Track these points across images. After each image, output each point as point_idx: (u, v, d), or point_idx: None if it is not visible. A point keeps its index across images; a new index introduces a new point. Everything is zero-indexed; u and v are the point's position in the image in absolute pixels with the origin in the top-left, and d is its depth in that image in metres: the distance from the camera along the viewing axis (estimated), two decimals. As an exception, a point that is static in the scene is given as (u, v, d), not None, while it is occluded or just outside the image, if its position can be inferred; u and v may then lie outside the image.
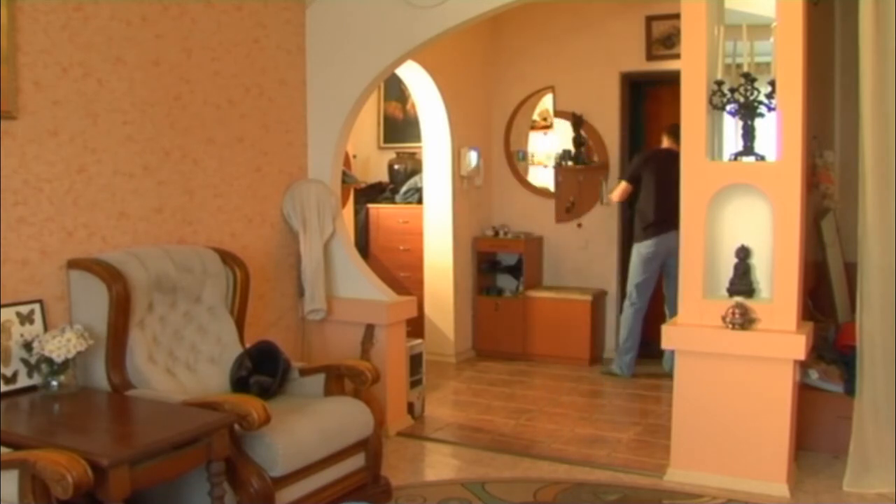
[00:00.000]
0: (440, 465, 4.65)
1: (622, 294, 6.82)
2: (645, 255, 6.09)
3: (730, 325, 3.99)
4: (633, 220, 6.35)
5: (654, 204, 5.97)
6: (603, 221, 6.85)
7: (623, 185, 6.24)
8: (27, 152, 3.52)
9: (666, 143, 6.04)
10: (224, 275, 4.06)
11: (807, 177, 4.21)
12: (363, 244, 7.14)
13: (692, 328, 4.11)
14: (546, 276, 7.04)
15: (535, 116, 7.31)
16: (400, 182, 7.33)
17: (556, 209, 7.00)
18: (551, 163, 7.08)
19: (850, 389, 4.21)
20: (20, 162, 3.49)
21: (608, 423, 5.20)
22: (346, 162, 6.09)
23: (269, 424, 3.21)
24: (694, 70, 4.08)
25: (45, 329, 3.47)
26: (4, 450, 2.77)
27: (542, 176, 7.26)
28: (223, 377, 3.89)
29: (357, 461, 3.78)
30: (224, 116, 4.49)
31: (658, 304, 6.28)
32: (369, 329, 4.87)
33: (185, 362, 3.83)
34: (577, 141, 6.81)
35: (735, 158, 4.09)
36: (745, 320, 3.96)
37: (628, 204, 6.48)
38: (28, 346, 3.37)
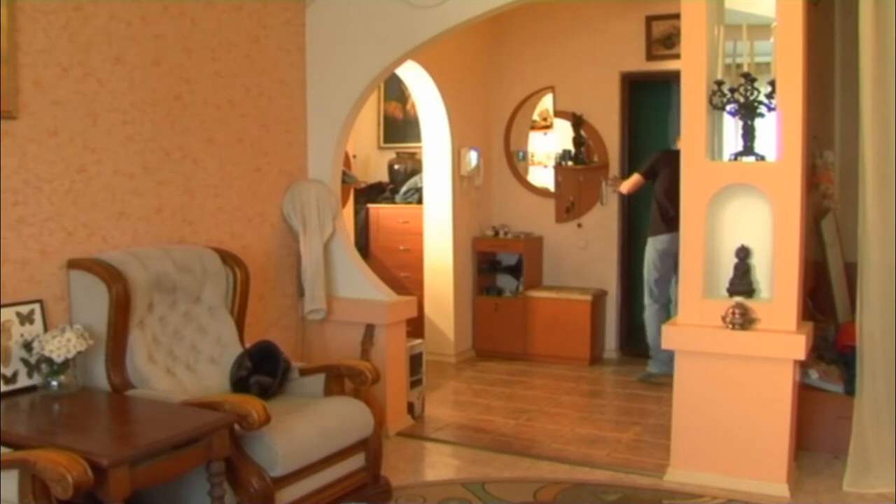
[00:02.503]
0: (440, 465, 4.65)
1: (622, 294, 6.83)
2: (661, 251, 6.00)
3: (730, 325, 3.99)
4: (630, 216, 6.31)
5: (676, 199, 5.86)
6: (603, 221, 6.85)
7: (636, 177, 6.21)
8: (27, 152, 3.52)
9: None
10: (224, 275, 4.06)
11: (807, 177, 4.21)
12: (363, 244, 7.14)
13: (692, 328, 4.11)
14: (546, 276, 7.04)
15: (535, 116, 7.31)
16: (400, 182, 7.33)
17: (556, 209, 7.00)
18: (551, 163, 7.08)
19: (850, 389, 4.21)
20: (20, 162, 3.49)
21: (608, 423, 5.20)
22: (346, 162, 6.09)
23: (269, 424, 3.21)
24: (694, 70, 4.08)
25: (45, 329, 3.47)
26: (4, 450, 2.77)
27: (542, 176, 7.26)
28: (223, 377, 3.89)
29: (357, 461, 3.78)
30: (224, 116, 4.49)
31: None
32: (369, 329, 4.87)
33: (185, 362, 3.83)
34: (577, 141, 6.82)
35: (735, 158, 4.09)
36: (745, 320, 3.96)
37: (629, 201, 6.45)
38: (28, 346, 3.38)
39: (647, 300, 6.18)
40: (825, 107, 5.51)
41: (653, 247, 6.10)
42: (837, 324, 5.03)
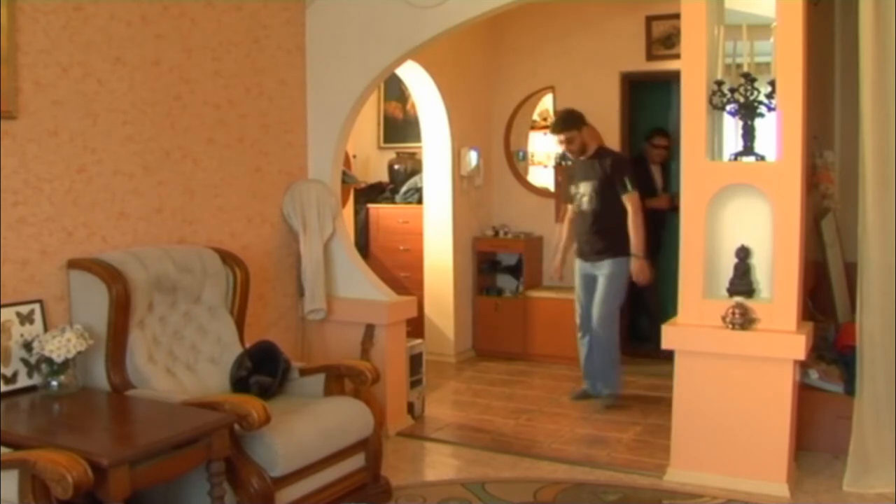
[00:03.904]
0: (440, 465, 4.65)
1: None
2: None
3: (730, 325, 3.98)
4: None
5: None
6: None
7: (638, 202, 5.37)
8: (27, 152, 3.52)
9: (596, 139, 5.62)
10: (224, 275, 4.06)
11: (807, 177, 4.21)
12: (363, 244, 7.14)
13: (692, 328, 4.11)
14: (546, 277, 7.03)
15: (535, 116, 7.32)
16: (400, 182, 7.33)
17: (556, 209, 7.00)
18: (551, 163, 7.08)
19: (850, 389, 4.21)
20: (20, 162, 3.49)
21: (608, 423, 5.20)
22: (346, 162, 6.09)
23: (269, 424, 3.21)
24: (694, 70, 4.08)
25: (45, 329, 3.47)
26: (4, 450, 2.77)
27: (542, 176, 7.25)
28: (223, 377, 3.89)
29: (357, 461, 3.78)
30: (224, 116, 4.49)
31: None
32: (369, 329, 4.87)
33: (185, 362, 3.83)
34: (578, 141, 6.82)
35: (735, 158, 4.09)
36: (745, 320, 3.96)
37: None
38: (28, 346, 3.38)
39: (611, 328, 5.40)
40: (825, 107, 5.51)
41: (627, 267, 5.33)
42: (837, 324, 5.03)
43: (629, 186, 5.27)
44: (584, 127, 5.45)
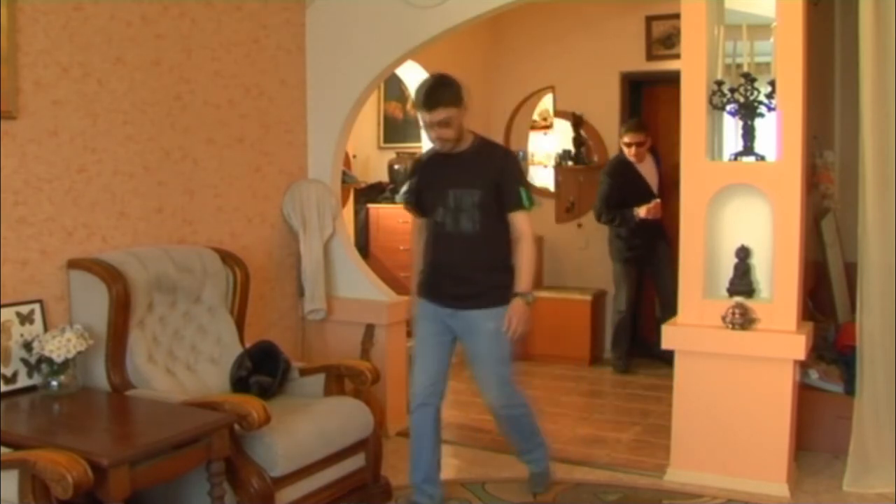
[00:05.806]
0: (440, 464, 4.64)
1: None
2: None
3: (730, 325, 3.99)
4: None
5: None
6: (603, 221, 6.84)
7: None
8: (27, 152, 3.52)
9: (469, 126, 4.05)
10: (224, 275, 4.06)
11: (807, 177, 4.21)
12: (363, 244, 7.14)
13: (692, 328, 4.11)
14: (546, 276, 7.04)
15: (535, 116, 7.31)
16: (400, 182, 7.32)
17: (556, 209, 7.00)
18: (551, 163, 7.08)
19: (850, 389, 4.21)
20: (20, 162, 3.49)
21: (608, 423, 5.20)
22: (346, 162, 6.09)
23: (269, 424, 3.21)
24: (694, 70, 4.08)
25: (45, 329, 3.47)
26: (4, 450, 2.78)
27: (542, 176, 7.25)
28: (223, 377, 3.89)
29: (357, 461, 3.78)
30: (224, 116, 4.49)
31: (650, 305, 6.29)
32: (369, 329, 4.86)
33: (185, 362, 3.83)
34: (577, 141, 6.82)
35: (735, 158, 4.09)
36: (745, 320, 3.96)
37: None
38: (28, 346, 3.38)
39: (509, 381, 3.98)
40: (825, 107, 5.51)
41: None
42: (837, 324, 5.02)
43: (526, 200, 3.71)
44: (466, 105, 3.78)
